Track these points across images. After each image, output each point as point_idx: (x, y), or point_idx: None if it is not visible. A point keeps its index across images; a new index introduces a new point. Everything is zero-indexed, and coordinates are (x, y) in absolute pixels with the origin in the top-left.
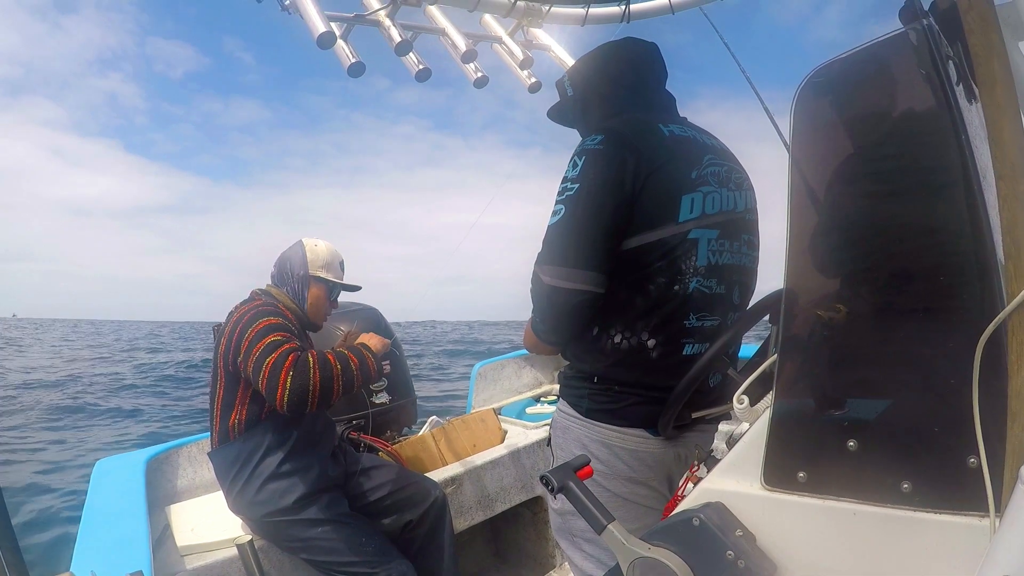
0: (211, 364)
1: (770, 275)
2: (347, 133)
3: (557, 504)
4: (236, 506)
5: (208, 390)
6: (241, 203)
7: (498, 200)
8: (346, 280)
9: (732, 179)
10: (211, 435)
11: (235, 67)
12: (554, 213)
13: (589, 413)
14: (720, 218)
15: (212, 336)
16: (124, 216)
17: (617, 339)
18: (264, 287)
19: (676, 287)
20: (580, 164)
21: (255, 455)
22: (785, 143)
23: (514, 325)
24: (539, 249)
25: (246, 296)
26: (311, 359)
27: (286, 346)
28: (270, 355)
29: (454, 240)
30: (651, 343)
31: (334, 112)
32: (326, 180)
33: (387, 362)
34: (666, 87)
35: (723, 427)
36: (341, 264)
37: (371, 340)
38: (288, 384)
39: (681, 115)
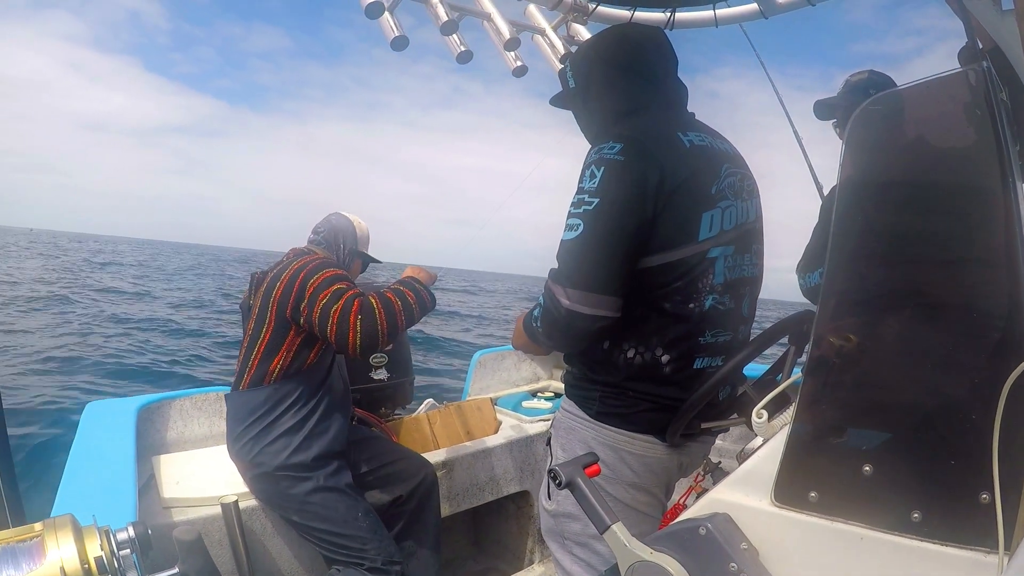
0: (251, 309)
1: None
2: (367, 68)
3: (552, 505)
4: (241, 452)
5: (245, 334)
6: (257, 129)
7: (514, 149)
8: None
9: (745, 188)
10: (241, 377)
11: None
12: (570, 227)
13: (599, 416)
14: (735, 233)
15: (249, 280)
16: (139, 134)
17: (630, 354)
18: (305, 247)
19: (692, 305)
20: (599, 176)
21: (281, 405)
22: (810, 165)
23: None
24: (555, 265)
25: (285, 248)
26: (374, 302)
27: (350, 292)
28: (336, 303)
29: (465, 182)
30: (664, 359)
31: (355, 46)
32: (343, 113)
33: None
34: (677, 75)
35: (720, 443)
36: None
37: (417, 272)
38: (359, 328)
39: (690, 110)
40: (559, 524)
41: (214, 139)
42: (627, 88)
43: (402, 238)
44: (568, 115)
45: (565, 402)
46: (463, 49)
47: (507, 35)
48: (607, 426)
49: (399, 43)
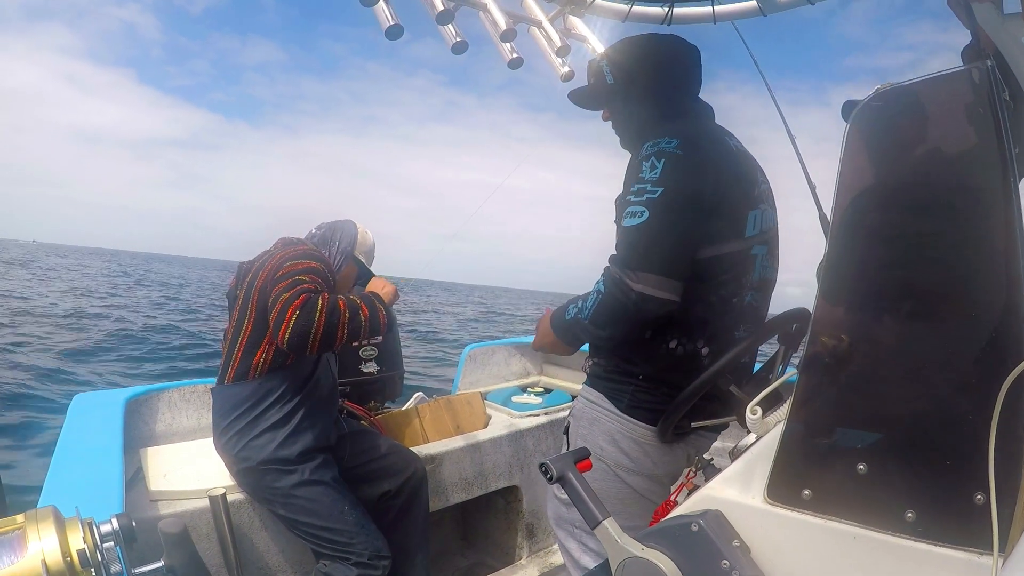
0: (236, 300)
1: None
2: (362, 81)
3: (563, 493)
4: (227, 447)
5: (229, 325)
6: (252, 143)
7: (508, 163)
8: (373, 269)
9: (771, 196)
10: (225, 371)
11: (254, 6)
12: (633, 215)
13: (629, 410)
14: (770, 235)
15: (237, 269)
16: (134, 146)
17: (672, 345)
18: (295, 238)
19: (735, 299)
20: (660, 167)
21: (267, 399)
22: (802, 163)
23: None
24: (617, 251)
25: (265, 240)
26: (320, 303)
27: (305, 285)
28: (287, 292)
29: (460, 196)
30: (705, 351)
31: (350, 60)
32: (337, 126)
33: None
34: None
35: (718, 443)
36: (374, 256)
37: (381, 287)
38: (292, 321)
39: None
40: (570, 512)
41: (210, 152)
42: (671, 96)
43: (397, 252)
44: (555, 128)
45: (588, 392)
46: (458, 40)
47: (503, 26)
48: (635, 420)
49: (394, 32)
